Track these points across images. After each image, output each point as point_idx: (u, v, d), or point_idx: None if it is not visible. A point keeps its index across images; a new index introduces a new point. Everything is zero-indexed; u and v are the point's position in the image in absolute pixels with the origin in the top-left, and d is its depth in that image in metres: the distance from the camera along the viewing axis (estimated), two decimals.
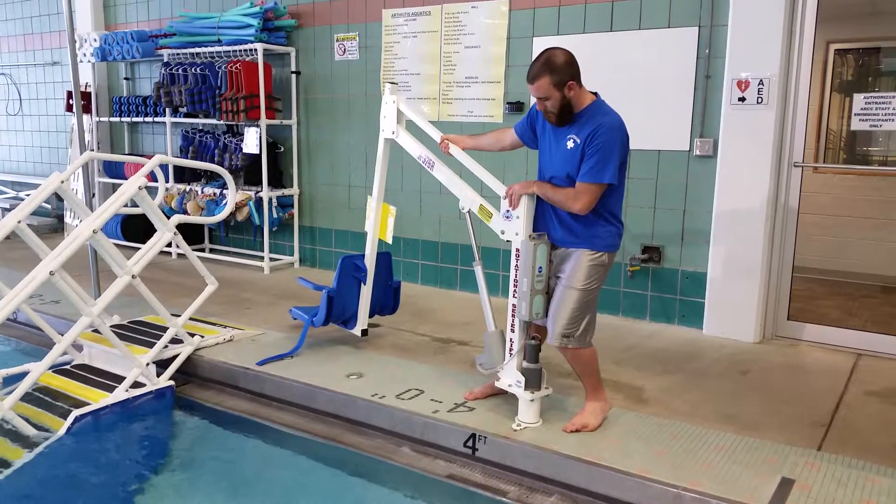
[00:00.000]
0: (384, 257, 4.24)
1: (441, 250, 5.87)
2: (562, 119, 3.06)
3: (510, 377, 3.28)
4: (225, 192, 6.50)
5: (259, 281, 6.18)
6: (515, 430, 3.19)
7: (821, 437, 3.19)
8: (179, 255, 7.11)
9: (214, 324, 4.69)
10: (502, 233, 3.26)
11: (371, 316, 4.29)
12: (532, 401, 3.21)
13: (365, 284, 4.12)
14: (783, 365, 4.19)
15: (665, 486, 2.74)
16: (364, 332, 4.20)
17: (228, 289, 5.85)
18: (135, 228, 7.06)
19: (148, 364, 3.91)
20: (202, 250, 7.27)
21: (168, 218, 4.07)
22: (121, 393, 3.77)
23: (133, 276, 3.83)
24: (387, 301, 4.36)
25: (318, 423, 3.65)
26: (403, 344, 4.46)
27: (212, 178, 6.91)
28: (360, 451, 3.37)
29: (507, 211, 3.21)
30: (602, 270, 3.15)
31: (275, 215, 6.39)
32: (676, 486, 2.72)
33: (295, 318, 4.40)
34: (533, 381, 3.20)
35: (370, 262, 4.10)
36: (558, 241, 3.18)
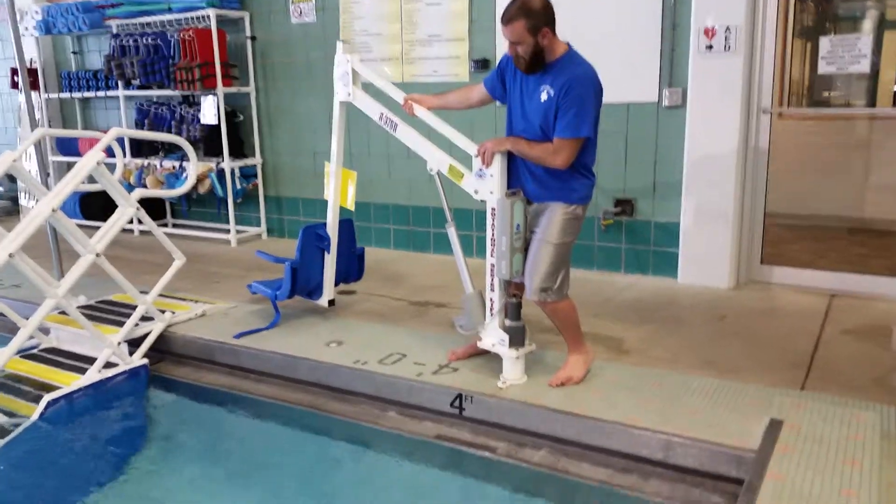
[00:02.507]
0: (346, 224, 4.15)
1: (412, 214, 5.80)
2: (532, 67, 2.99)
3: (493, 336, 3.25)
4: (185, 164, 6.32)
5: (226, 254, 6.05)
6: (501, 388, 3.17)
7: (803, 377, 3.23)
8: (142, 231, 6.92)
9: (185, 299, 4.58)
10: (476, 192, 3.20)
11: (336, 285, 4.22)
12: (517, 358, 3.19)
13: (328, 253, 4.03)
14: (759, 309, 4.23)
15: (654, 433, 2.75)
16: (331, 303, 4.13)
17: (196, 263, 5.71)
18: (94, 206, 6.85)
19: (119, 343, 3.80)
20: (165, 225, 7.09)
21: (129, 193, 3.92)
22: (93, 374, 3.66)
23: (97, 255, 3.70)
24: (351, 268, 4.28)
25: (300, 393, 3.59)
26: (380, 309, 4.40)
27: (170, 150, 6.71)
28: (346, 418, 3.33)
29: (480, 169, 3.15)
30: (576, 223, 3.12)
31: (238, 186, 6.24)
32: (665, 433, 2.73)
33: (255, 293, 4.29)
34: (517, 338, 3.17)
35: (332, 230, 4.01)
36: (532, 197, 3.13)
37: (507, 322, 3.18)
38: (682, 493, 2.64)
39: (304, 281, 4.03)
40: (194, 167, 4.25)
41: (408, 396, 3.29)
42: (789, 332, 3.81)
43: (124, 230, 7.00)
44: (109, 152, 6.75)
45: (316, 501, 2.86)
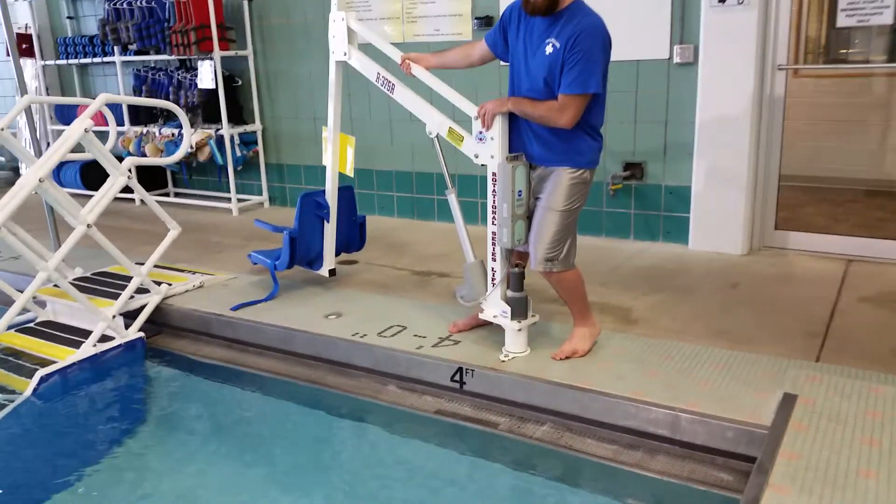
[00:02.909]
0: (346, 191, 4.02)
1: (416, 181, 5.65)
2: (547, 6, 2.77)
3: (495, 308, 3.13)
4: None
5: (227, 223, 5.94)
6: (503, 361, 3.06)
7: (818, 348, 3.10)
8: (143, 201, 6.82)
9: (183, 270, 4.48)
10: (476, 157, 3.05)
11: (337, 254, 4.10)
12: (519, 330, 3.07)
13: (328, 222, 3.91)
14: (773, 276, 4.09)
15: (661, 408, 2.64)
16: (332, 273, 4.02)
17: (196, 233, 5.63)
18: (96, 176, 6.73)
19: (114, 316, 3.72)
20: (166, 194, 6.99)
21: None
22: (88, 348, 3.58)
23: (88, 226, 3.60)
24: (353, 237, 4.16)
25: (299, 367, 3.50)
26: (382, 280, 4.29)
27: (169, 117, 6.58)
28: (345, 393, 3.24)
29: (480, 132, 3.00)
30: (584, 188, 2.97)
31: (238, 154, 6.10)
32: (673, 408, 2.62)
33: (255, 264, 4.18)
34: (519, 309, 3.05)
35: (331, 197, 3.88)
36: (536, 160, 2.99)
37: (509, 293, 3.06)
38: (689, 471, 2.53)
39: (303, 250, 3.92)
40: (188, 134, 4.12)
41: (407, 370, 3.19)
42: (804, 300, 3.67)
43: (125, 200, 6.93)
44: (107, 120, 6.63)
45: (313, 476, 2.78)
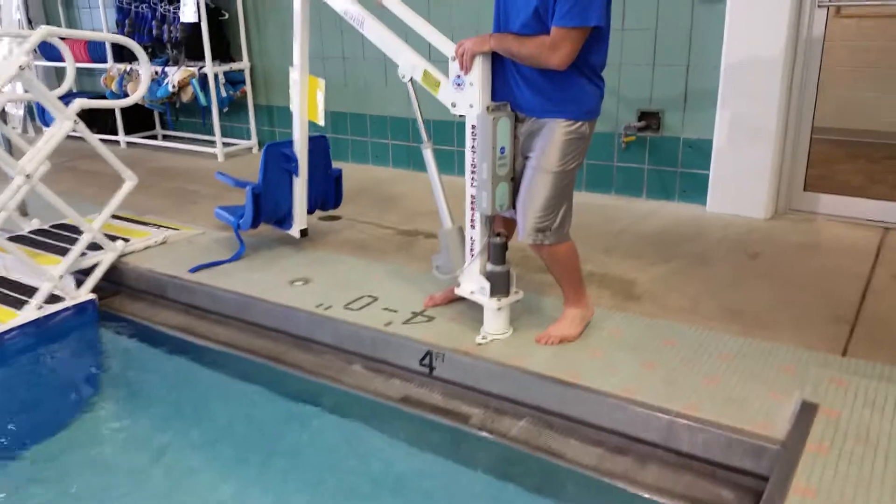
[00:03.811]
0: (319, 142, 3.60)
1: (412, 127, 5.19)
2: None
3: (472, 283, 2.73)
4: (167, 69, 5.75)
5: (211, 170, 5.51)
6: (480, 344, 2.67)
7: (846, 337, 2.67)
8: (129, 143, 6.46)
9: (147, 224, 4.12)
10: (453, 105, 2.61)
11: (311, 212, 3.71)
12: (499, 309, 2.68)
13: (297, 176, 3.49)
14: (798, 245, 3.62)
15: (653, 410, 2.24)
16: (303, 233, 3.62)
17: (175, 181, 5.27)
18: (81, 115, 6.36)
19: (61, 276, 3.38)
20: (154, 137, 6.60)
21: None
22: (30, 311, 3.26)
23: (27, 176, 3.22)
24: (327, 193, 3.75)
25: (260, 339, 3.14)
26: (362, 240, 3.89)
27: (154, 54, 6.13)
28: (303, 373, 2.88)
29: (458, 76, 2.55)
30: (582, 145, 2.52)
31: (224, 94, 5.67)
32: (668, 412, 2.22)
33: (221, 220, 3.79)
34: (499, 286, 2.65)
35: (300, 149, 3.46)
36: (525, 110, 2.54)
37: (490, 266, 2.65)
38: (685, 486, 2.15)
39: (269, 208, 3.53)
40: (146, 73, 3.69)
41: (372, 350, 2.82)
42: (832, 276, 3.22)
43: (109, 142, 6.56)
44: (96, 58, 6.21)
45: (256, 463, 2.46)
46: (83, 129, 3.38)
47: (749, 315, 2.87)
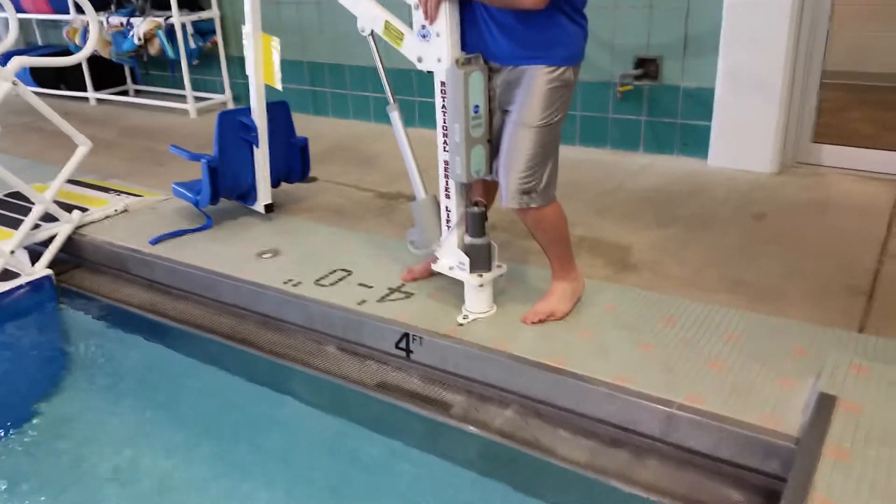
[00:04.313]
0: (279, 109, 3.29)
1: (396, 80, 4.84)
2: None
3: (450, 258, 2.48)
4: (133, 20, 5.39)
5: (183, 127, 5.25)
6: (461, 325, 2.44)
7: (862, 310, 2.44)
8: (100, 100, 6.12)
9: (108, 190, 3.84)
10: (419, 60, 2.32)
11: (276, 185, 3.44)
12: (481, 286, 2.43)
13: (258, 147, 3.21)
14: (806, 203, 3.37)
15: (650, 402, 2.02)
16: (269, 208, 3.35)
17: (144, 140, 4.98)
18: (47, 72, 6.02)
19: (13, 252, 3.13)
20: (125, 93, 6.25)
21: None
22: None
23: None
24: (293, 165, 3.46)
25: (226, 317, 2.91)
26: (338, 204, 3.63)
27: (120, 4, 5.74)
28: (270, 356, 2.65)
29: (423, 27, 2.25)
30: (566, 93, 2.24)
31: (192, 45, 5.32)
32: (667, 404, 2.00)
33: (179, 198, 3.51)
34: (480, 260, 2.40)
35: (259, 116, 3.16)
36: (500, 59, 2.24)
37: (468, 239, 2.40)
38: (687, 486, 1.94)
39: (228, 182, 3.25)
40: (94, 26, 3.35)
41: (344, 332, 2.59)
42: (844, 238, 2.97)
43: (78, 98, 6.22)
44: (59, 9, 5.81)
45: (217, 451, 2.27)
46: (23, 91, 3.07)
47: (755, 286, 2.64)
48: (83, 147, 3.34)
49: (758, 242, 2.99)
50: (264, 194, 3.31)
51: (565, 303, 2.45)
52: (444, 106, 2.28)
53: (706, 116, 3.87)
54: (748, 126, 3.72)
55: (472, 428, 2.20)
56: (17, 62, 3.09)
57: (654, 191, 3.61)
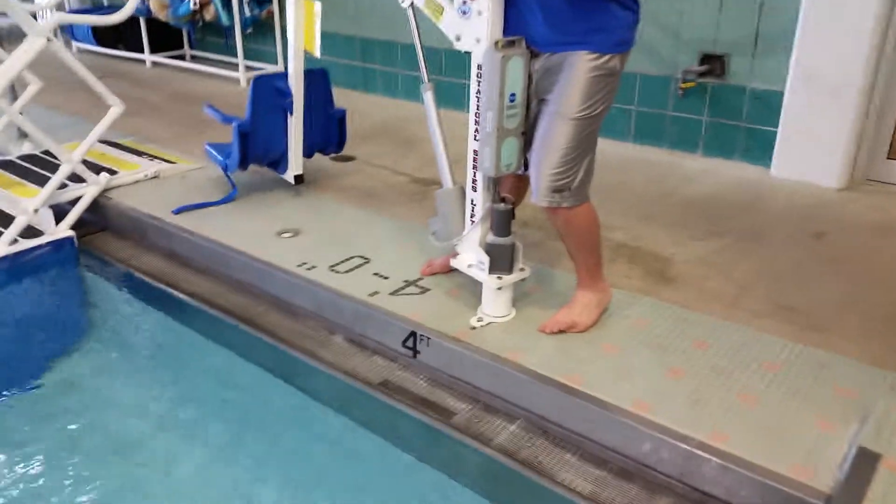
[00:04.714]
0: (317, 76, 3.16)
1: (445, 60, 4.68)
2: None
3: (470, 254, 2.30)
4: None
5: (231, 96, 5.17)
6: (474, 328, 2.27)
7: None
8: (155, 63, 6.12)
9: (143, 154, 3.78)
10: (457, 39, 2.14)
11: (310, 155, 3.32)
12: (499, 289, 2.25)
13: (292, 115, 3.08)
14: (874, 225, 3.07)
15: (669, 437, 1.81)
16: (298, 179, 3.23)
17: (190, 105, 4.93)
18: (107, 32, 6.05)
19: (37, 210, 3.08)
20: (182, 57, 6.23)
21: None
22: (0, 248, 2.97)
23: None
24: (330, 135, 3.33)
25: (239, 296, 2.80)
26: (370, 186, 3.48)
27: None
28: (277, 342, 2.52)
29: (464, 2, 2.07)
30: (610, 84, 2.03)
31: (248, 13, 5.23)
32: (688, 440, 1.79)
33: (210, 159, 3.41)
34: (500, 261, 2.22)
35: (295, 83, 3.03)
36: (542, 44, 2.05)
37: (490, 237, 2.22)
38: None
39: (259, 148, 3.14)
40: None
41: (352, 323, 2.45)
42: None
43: (135, 60, 6.24)
44: None
45: (214, 442, 2.18)
46: (58, 48, 3.00)
47: (805, 313, 2.39)
48: (115, 108, 3.27)
49: (814, 264, 2.72)
50: (295, 164, 3.19)
51: (589, 314, 2.25)
52: (478, 91, 2.09)
53: (773, 121, 3.58)
54: (817, 135, 3.42)
55: (471, 442, 2.02)
56: (55, 19, 3.03)
57: (708, 198, 3.35)
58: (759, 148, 3.68)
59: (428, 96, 2.36)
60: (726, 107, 3.75)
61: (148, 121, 4.57)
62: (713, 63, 3.72)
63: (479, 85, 2.10)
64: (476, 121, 2.14)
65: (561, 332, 2.22)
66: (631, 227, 3.02)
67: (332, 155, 3.56)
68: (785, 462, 1.71)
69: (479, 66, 2.08)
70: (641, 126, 4.03)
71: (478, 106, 2.12)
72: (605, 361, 2.10)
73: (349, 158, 3.85)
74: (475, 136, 2.16)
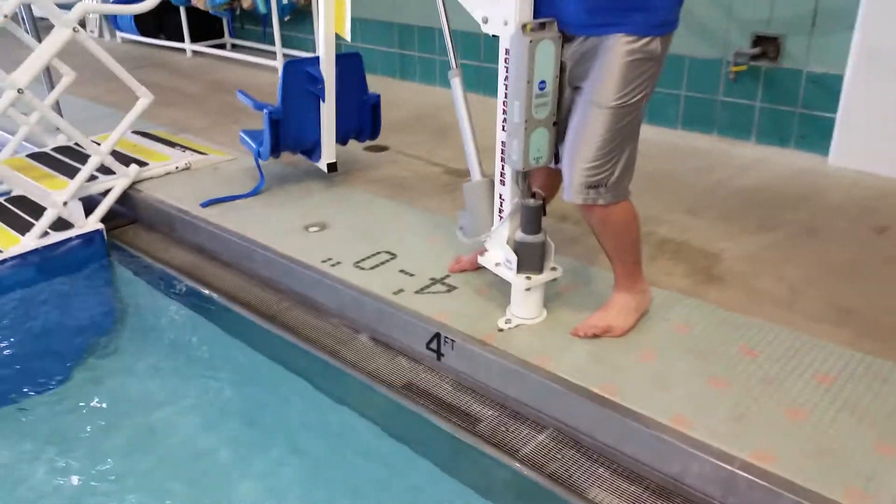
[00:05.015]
0: (350, 61, 3.06)
1: (484, 45, 4.53)
2: None
3: (498, 252, 2.17)
4: None
5: (269, 85, 5.08)
6: (501, 330, 2.14)
7: None
8: (196, 52, 6.10)
9: (176, 145, 3.74)
10: (484, 21, 1.99)
11: (344, 142, 3.22)
12: (529, 290, 2.12)
13: (324, 101, 2.98)
14: None
15: (709, 454, 1.66)
16: (331, 167, 3.13)
17: (227, 95, 4.89)
18: (148, 20, 6.06)
19: (66, 203, 3.06)
20: (222, 46, 6.20)
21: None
22: (31, 240, 2.96)
23: (20, 91, 2.86)
24: (363, 122, 3.22)
25: (265, 292, 2.73)
26: (402, 177, 3.37)
27: None
28: (299, 341, 2.43)
29: None
30: (651, 69, 1.86)
31: (284, 1, 5.15)
32: (730, 459, 1.64)
33: (243, 145, 3.34)
34: (529, 260, 2.08)
35: (327, 68, 2.93)
36: (575, 26, 1.89)
37: (518, 235, 2.08)
38: None
39: (291, 135, 3.05)
40: None
41: (376, 323, 2.35)
42: None
43: (176, 49, 6.24)
44: None
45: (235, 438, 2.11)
46: (84, 38, 2.96)
47: (865, 317, 2.19)
48: (144, 100, 3.22)
49: (876, 263, 2.51)
50: (328, 152, 3.10)
51: (626, 318, 2.09)
52: (506, 78, 1.95)
53: (832, 107, 3.34)
54: (880, 121, 3.17)
55: (495, 454, 1.90)
56: (81, 8, 2.98)
57: (760, 189, 3.14)
58: (816, 135, 3.44)
59: (455, 82, 2.23)
60: (781, 91, 3.52)
61: (183, 110, 4.53)
62: (767, 45, 3.49)
63: (506, 71, 1.96)
64: (504, 110, 2.00)
65: (595, 336, 2.07)
66: (676, 220, 2.84)
67: (367, 143, 3.46)
68: (840, 486, 1.54)
69: (507, 51, 1.94)
70: (690, 112, 3.82)
71: (506, 94, 1.98)
72: (642, 369, 1.95)
73: (383, 148, 3.75)
74: (503, 126, 2.02)
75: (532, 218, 2.05)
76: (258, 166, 3.17)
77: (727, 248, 2.64)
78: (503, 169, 2.08)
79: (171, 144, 3.73)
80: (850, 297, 2.30)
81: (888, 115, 3.14)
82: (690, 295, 2.32)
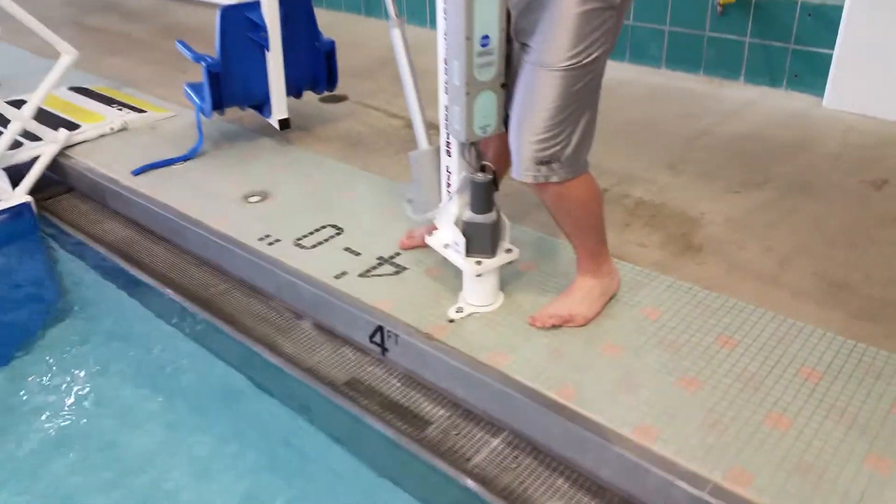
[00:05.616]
0: (298, 3, 2.73)
1: None
2: None
3: (447, 232, 1.92)
4: None
5: None
6: (452, 321, 1.91)
7: None
8: None
9: (112, 102, 3.43)
10: None
11: (298, 95, 2.92)
12: (479, 275, 1.87)
13: (269, 51, 2.67)
14: None
15: (676, 476, 1.45)
16: (283, 124, 2.84)
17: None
18: None
19: None
20: None
21: None
22: None
23: None
24: (317, 72, 2.92)
25: (201, 272, 2.47)
26: (360, 134, 3.09)
27: None
28: (232, 329, 2.19)
29: None
30: (611, 19, 1.57)
31: None
32: (700, 483, 1.43)
33: (188, 100, 3.03)
34: (480, 243, 1.83)
35: (270, 12, 2.60)
36: None
37: (466, 214, 1.83)
38: None
39: (235, 89, 2.76)
40: None
41: (314, 311, 2.11)
42: None
43: None
44: None
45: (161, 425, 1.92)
46: None
47: (860, 293, 1.96)
48: (67, 56, 2.91)
49: (874, 223, 2.26)
50: (279, 107, 2.81)
51: (590, 305, 1.86)
52: (445, 34, 1.67)
53: (829, 42, 3.04)
54: (882, 58, 2.88)
55: (442, 466, 1.70)
56: None
57: (748, 138, 2.87)
58: (811, 74, 3.15)
59: (395, 33, 1.95)
60: (773, 25, 3.20)
61: (130, 59, 4.19)
62: None
63: (445, 26, 1.67)
64: (445, 69, 1.72)
65: (555, 326, 1.84)
66: (654, 178, 2.59)
67: (324, 94, 3.16)
68: None
69: (445, 5, 1.64)
70: (674, 49, 3.50)
71: (445, 55, 1.70)
72: (605, 367, 1.72)
73: (341, 98, 3.45)
74: (445, 88, 1.74)
75: (481, 195, 1.79)
76: (199, 125, 2.88)
77: (708, 210, 2.39)
78: (448, 136, 1.81)
79: (109, 101, 3.42)
80: (843, 267, 2.06)
81: (888, 51, 2.84)
82: (665, 269, 2.08)
